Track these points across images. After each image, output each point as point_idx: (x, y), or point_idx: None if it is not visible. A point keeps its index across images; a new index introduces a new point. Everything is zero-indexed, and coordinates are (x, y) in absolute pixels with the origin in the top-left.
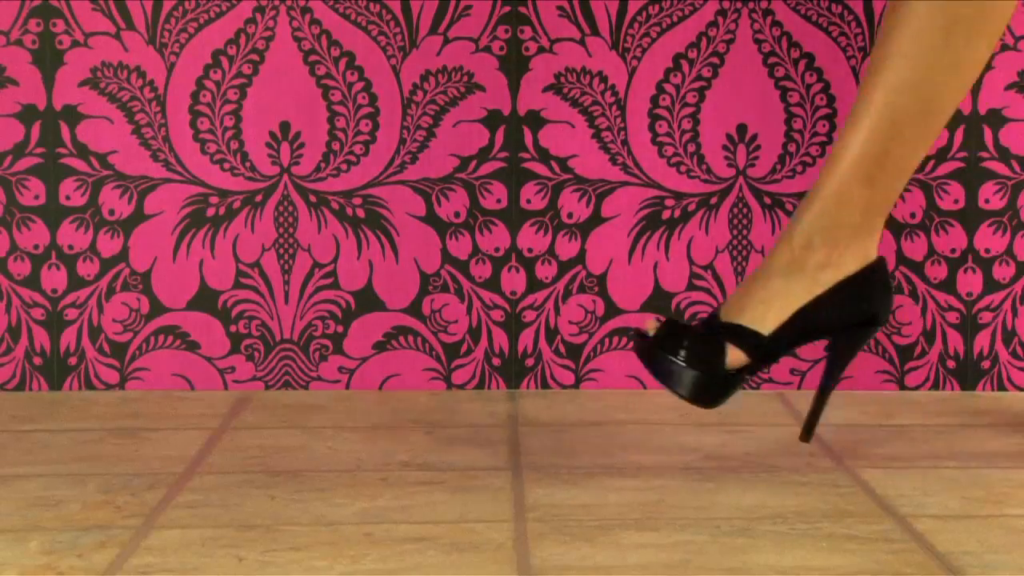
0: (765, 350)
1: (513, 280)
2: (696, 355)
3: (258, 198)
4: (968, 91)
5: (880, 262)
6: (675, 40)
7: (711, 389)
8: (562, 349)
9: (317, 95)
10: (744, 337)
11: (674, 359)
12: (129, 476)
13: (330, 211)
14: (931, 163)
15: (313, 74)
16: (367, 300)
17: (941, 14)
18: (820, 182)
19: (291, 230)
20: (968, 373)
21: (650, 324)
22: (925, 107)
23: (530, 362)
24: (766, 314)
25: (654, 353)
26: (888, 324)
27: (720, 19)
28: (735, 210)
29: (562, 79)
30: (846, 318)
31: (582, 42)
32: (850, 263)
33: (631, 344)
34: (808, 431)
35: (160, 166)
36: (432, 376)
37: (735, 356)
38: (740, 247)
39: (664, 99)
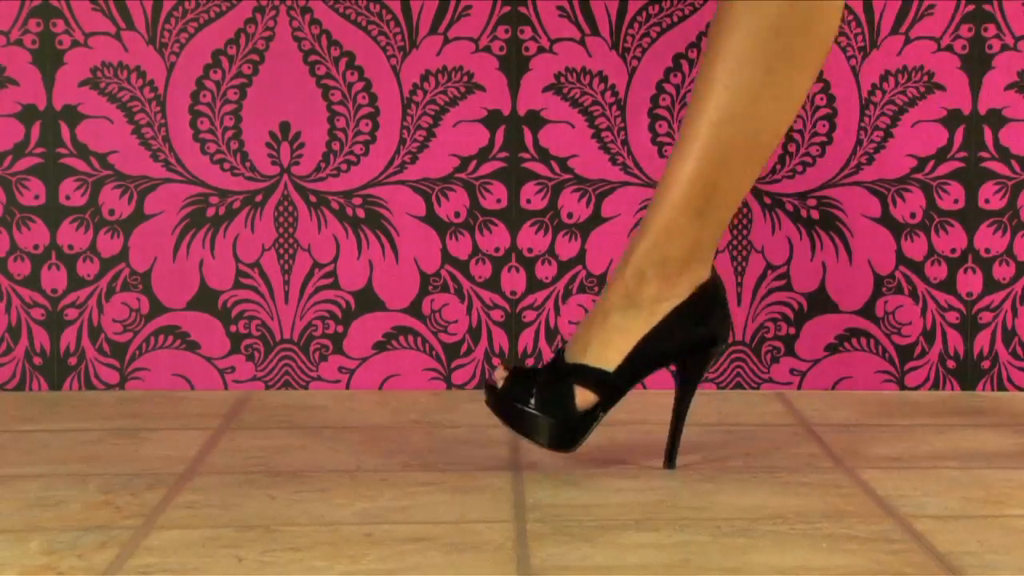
0: (612, 386)
1: (513, 280)
2: (547, 401)
3: (258, 198)
4: (793, 119)
5: (712, 282)
6: (675, 40)
7: (568, 432)
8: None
9: (317, 95)
10: (591, 377)
11: (526, 408)
12: (129, 476)
13: (330, 211)
14: (931, 163)
15: (313, 74)
16: (367, 300)
17: (761, 48)
18: (650, 215)
19: (291, 230)
20: (968, 373)
21: (498, 374)
22: (751, 138)
23: (530, 362)
24: (608, 351)
25: (505, 405)
26: (888, 324)
27: None
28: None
29: (562, 79)
30: (686, 343)
31: (582, 42)
32: (683, 291)
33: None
34: (670, 457)
35: (160, 166)
36: (432, 376)
37: (584, 397)
38: (740, 247)
39: (664, 99)
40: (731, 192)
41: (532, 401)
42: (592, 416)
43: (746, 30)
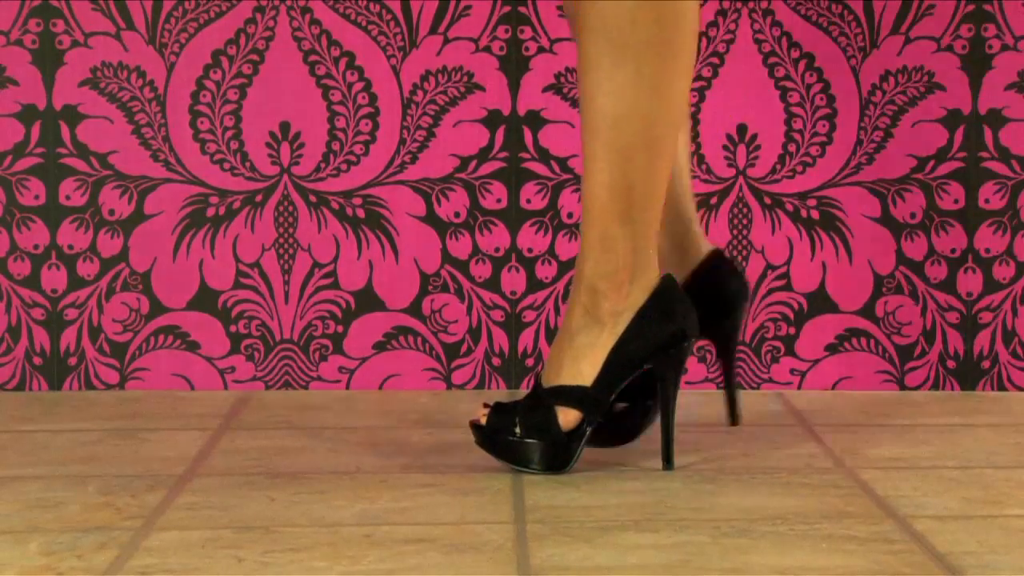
0: (593, 401)
1: (513, 280)
2: (531, 425)
3: (258, 198)
4: (684, 104)
5: (665, 282)
6: None
7: (557, 453)
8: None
9: (317, 95)
10: (570, 395)
11: (512, 437)
12: (129, 477)
13: (330, 211)
14: (931, 163)
15: (313, 74)
16: (367, 300)
17: (622, 49)
18: (584, 235)
19: (291, 230)
20: (968, 373)
21: (481, 413)
22: (646, 134)
23: (530, 362)
24: (581, 367)
25: (493, 439)
26: (888, 324)
27: (720, 19)
28: (735, 210)
29: (562, 79)
30: (657, 343)
31: None
32: (639, 298)
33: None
34: (667, 458)
35: (160, 166)
36: (432, 376)
37: (568, 416)
38: (740, 247)
39: None
40: (649, 190)
41: (517, 430)
42: (579, 433)
43: (603, 35)
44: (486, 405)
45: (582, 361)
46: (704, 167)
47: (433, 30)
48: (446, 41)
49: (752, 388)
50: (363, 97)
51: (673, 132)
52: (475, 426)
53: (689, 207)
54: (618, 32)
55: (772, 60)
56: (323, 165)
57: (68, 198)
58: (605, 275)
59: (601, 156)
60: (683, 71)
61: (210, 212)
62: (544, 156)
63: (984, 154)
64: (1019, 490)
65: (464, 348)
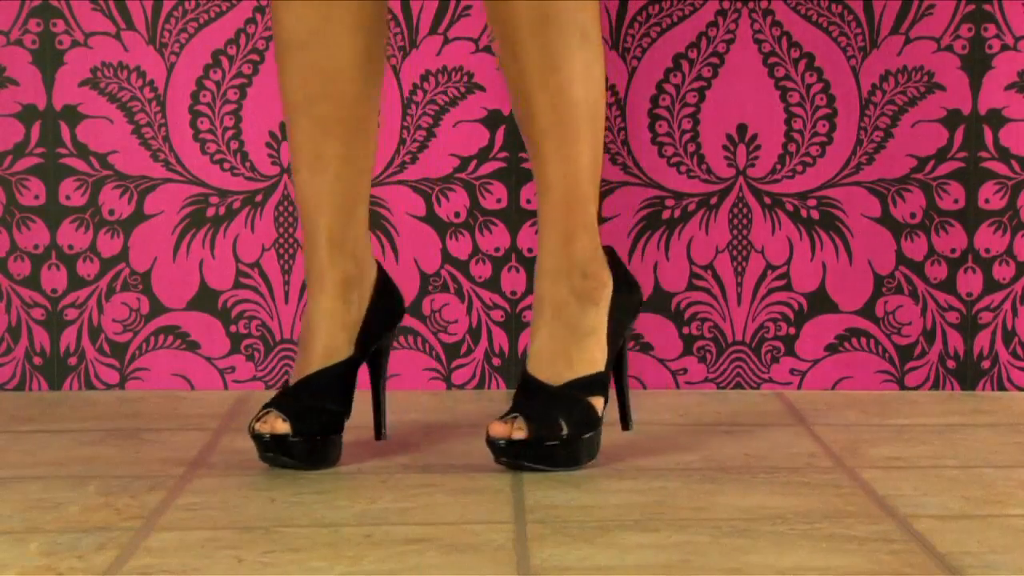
0: (607, 382)
1: (513, 280)
2: (578, 424)
3: (258, 198)
4: (599, 82)
5: (614, 252)
6: (675, 40)
7: (598, 441)
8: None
9: None
10: (595, 384)
11: (571, 441)
12: (129, 478)
13: None
14: (931, 163)
15: None
16: None
17: (593, 46)
18: (566, 220)
19: (291, 230)
20: (968, 373)
21: (513, 430)
22: (595, 110)
23: None
24: (594, 354)
25: (549, 451)
26: (888, 324)
27: (720, 19)
28: (735, 210)
29: None
30: (631, 313)
31: None
32: (607, 271)
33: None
34: (624, 417)
35: (160, 166)
36: (432, 376)
37: (598, 404)
38: (740, 247)
39: (664, 99)
40: (599, 166)
41: (565, 430)
42: (602, 418)
43: (576, 30)
44: (511, 419)
45: (593, 348)
46: (704, 167)
47: (433, 30)
48: (446, 41)
49: (752, 388)
50: None
51: (603, 104)
52: (509, 442)
53: None
54: (588, 26)
55: (772, 60)
56: None
57: (68, 198)
58: (593, 257)
59: (582, 142)
60: (596, 49)
61: (210, 212)
62: None
63: (984, 154)
64: (1019, 490)
65: (464, 348)
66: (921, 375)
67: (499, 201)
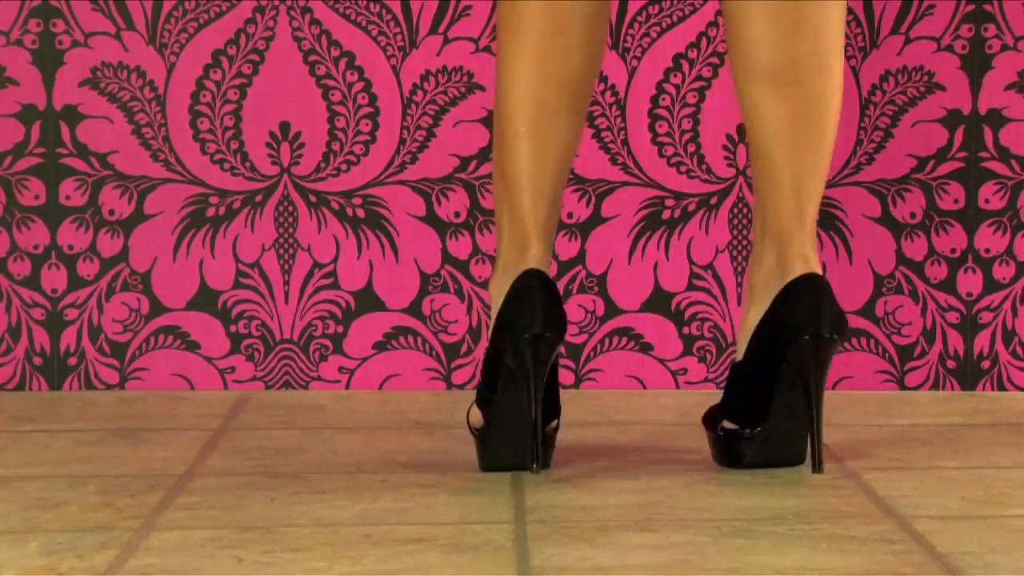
0: (482, 398)
1: None
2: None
3: (258, 198)
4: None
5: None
6: (675, 40)
7: (481, 453)
8: (562, 349)
9: (317, 95)
10: (479, 397)
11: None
12: (129, 478)
13: (330, 211)
14: (931, 163)
15: (313, 74)
16: (367, 300)
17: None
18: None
19: (291, 230)
20: (968, 373)
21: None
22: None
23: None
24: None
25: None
26: (888, 324)
27: (720, 19)
28: (735, 210)
29: None
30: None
31: None
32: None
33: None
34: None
35: (160, 166)
36: (432, 376)
37: (475, 413)
38: (740, 247)
39: (664, 99)
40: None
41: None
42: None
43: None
44: (721, 429)
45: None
46: (704, 167)
47: (433, 30)
48: (446, 41)
49: None
50: (363, 97)
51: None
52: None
53: None
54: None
55: None
56: (323, 165)
57: (68, 198)
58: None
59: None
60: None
61: (210, 212)
62: None
63: (984, 154)
64: (1019, 490)
65: (464, 348)
66: (921, 375)
67: None
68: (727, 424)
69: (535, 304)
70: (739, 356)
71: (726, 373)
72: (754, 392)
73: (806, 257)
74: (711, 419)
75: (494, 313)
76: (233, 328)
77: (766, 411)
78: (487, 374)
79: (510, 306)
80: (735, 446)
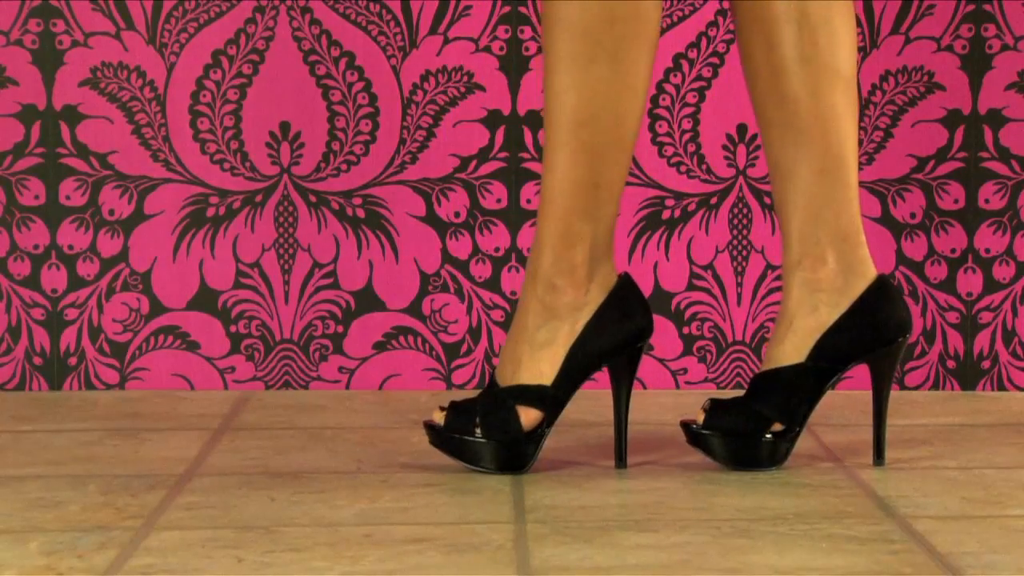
0: (553, 399)
1: (513, 280)
2: (491, 427)
3: (258, 198)
4: (645, 103)
5: (624, 280)
6: (675, 40)
7: (516, 453)
8: None
9: (317, 95)
10: (531, 395)
11: (472, 438)
12: (129, 477)
13: (330, 211)
14: (931, 163)
15: (313, 74)
16: (367, 300)
17: (590, 46)
18: (543, 228)
19: (291, 230)
20: (968, 373)
21: (436, 415)
22: (613, 132)
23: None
24: (541, 366)
25: (450, 440)
26: None
27: (720, 19)
28: (735, 210)
29: None
30: (615, 342)
31: None
32: (597, 295)
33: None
34: (620, 455)
35: (160, 166)
36: (432, 376)
37: (528, 416)
38: (740, 247)
39: (664, 99)
40: (612, 187)
41: (477, 431)
42: (539, 434)
43: (579, 32)
44: (442, 408)
45: (542, 359)
46: (704, 167)
47: (433, 30)
48: (446, 41)
49: None
50: (363, 97)
51: (637, 130)
52: (429, 427)
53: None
54: (595, 29)
55: None
56: (323, 165)
57: (68, 198)
58: (565, 271)
59: (568, 154)
60: (644, 73)
61: (210, 212)
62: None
63: (984, 154)
64: (1019, 490)
65: (464, 348)
66: (921, 375)
67: (499, 201)
68: (777, 427)
69: (635, 307)
70: (793, 358)
71: (726, 373)
72: (813, 390)
73: (869, 257)
74: (742, 424)
75: (584, 315)
76: (233, 328)
77: (811, 409)
78: (571, 375)
79: (615, 310)
80: (777, 447)
